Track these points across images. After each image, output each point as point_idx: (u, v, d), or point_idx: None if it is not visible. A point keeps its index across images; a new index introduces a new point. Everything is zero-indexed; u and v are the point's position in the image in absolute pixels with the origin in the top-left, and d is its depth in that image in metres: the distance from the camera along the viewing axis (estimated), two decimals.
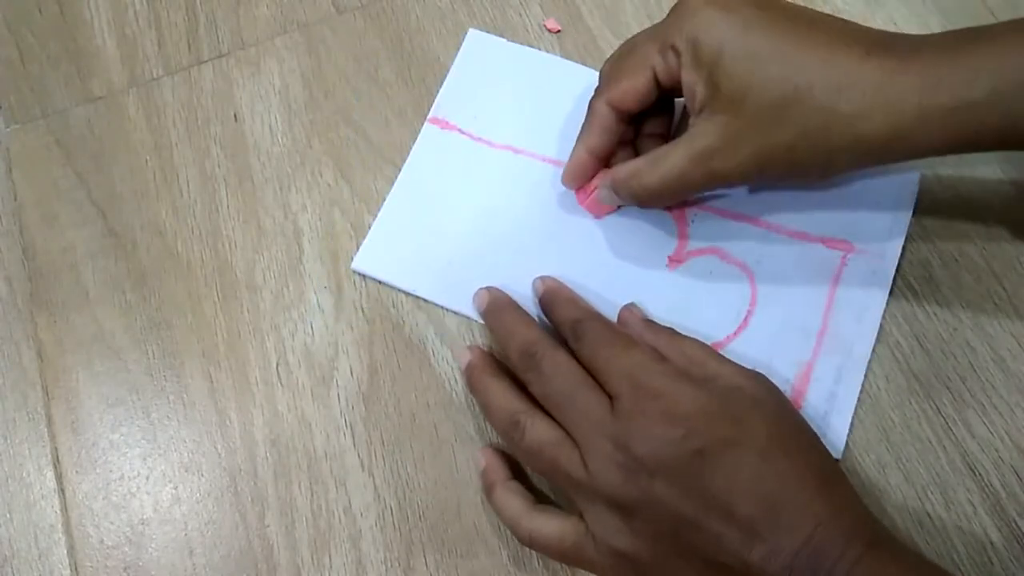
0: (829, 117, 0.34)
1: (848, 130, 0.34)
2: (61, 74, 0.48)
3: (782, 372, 0.40)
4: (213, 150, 0.46)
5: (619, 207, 0.43)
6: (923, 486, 0.38)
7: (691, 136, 0.37)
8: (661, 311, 0.41)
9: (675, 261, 0.42)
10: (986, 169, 0.43)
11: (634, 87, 0.38)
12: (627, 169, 0.39)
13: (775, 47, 0.35)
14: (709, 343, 0.38)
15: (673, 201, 0.42)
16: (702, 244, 0.42)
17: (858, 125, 0.34)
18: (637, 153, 0.41)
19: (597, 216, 0.43)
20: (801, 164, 0.36)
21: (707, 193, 0.43)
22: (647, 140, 0.41)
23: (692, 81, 0.36)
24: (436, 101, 0.46)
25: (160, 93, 0.47)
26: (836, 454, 0.39)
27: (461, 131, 0.45)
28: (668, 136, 0.42)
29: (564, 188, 0.43)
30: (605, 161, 0.41)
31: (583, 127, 0.41)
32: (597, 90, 0.40)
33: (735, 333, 0.41)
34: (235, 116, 0.47)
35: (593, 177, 0.42)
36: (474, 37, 0.47)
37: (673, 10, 0.38)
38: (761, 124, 0.35)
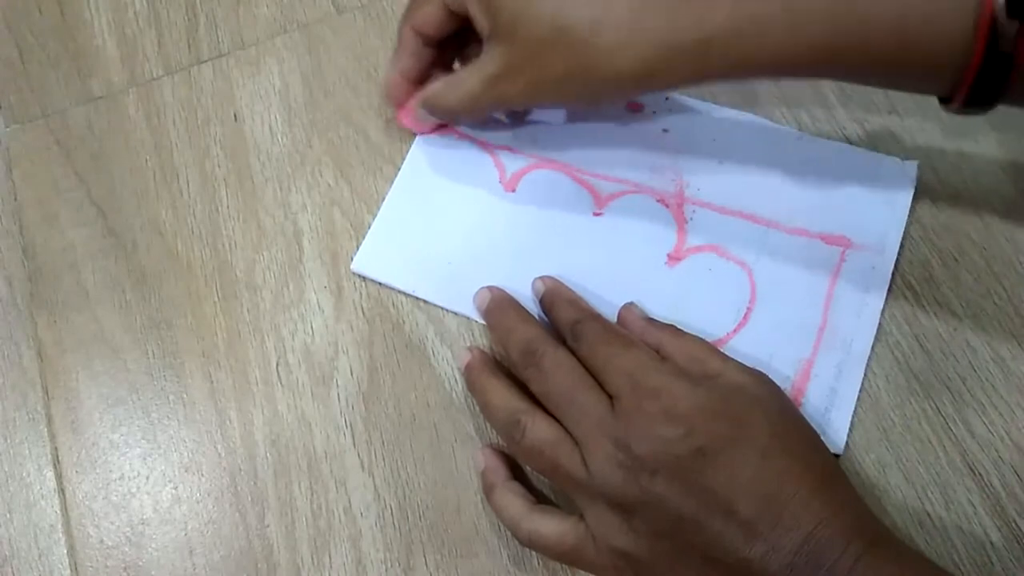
0: (590, 52, 0.36)
1: (608, 64, 0.36)
2: (61, 74, 0.48)
3: (782, 369, 0.40)
4: (213, 150, 0.46)
5: (438, 124, 0.45)
6: (923, 486, 0.38)
7: (481, 61, 0.39)
8: (660, 309, 0.41)
9: (674, 259, 0.42)
10: (986, 168, 0.43)
11: (430, 15, 0.41)
12: (431, 90, 0.42)
13: None
14: (709, 341, 0.38)
15: (476, 118, 0.44)
16: (701, 241, 0.42)
17: (615, 60, 0.36)
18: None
19: (420, 132, 0.45)
20: (570, 95, 0.39)
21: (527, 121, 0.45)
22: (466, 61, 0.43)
23: (475, 11, 0.39)
24: None
25: (160, 93, 0.47)
26: (837, 451, 0.39)
27: (459, 131, 0.45)
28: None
29: (562, 187, 0.43)
30: (419, 81, 0.43)
31: (395, 50, 0.43)
32: (403, 15, 0.42)
33: (735, 330, 0.41)
34: (235, 116, 0.47)
35: (409, 97, 0.43)
36: None
37: None
38: (533, 56, 0.37)
